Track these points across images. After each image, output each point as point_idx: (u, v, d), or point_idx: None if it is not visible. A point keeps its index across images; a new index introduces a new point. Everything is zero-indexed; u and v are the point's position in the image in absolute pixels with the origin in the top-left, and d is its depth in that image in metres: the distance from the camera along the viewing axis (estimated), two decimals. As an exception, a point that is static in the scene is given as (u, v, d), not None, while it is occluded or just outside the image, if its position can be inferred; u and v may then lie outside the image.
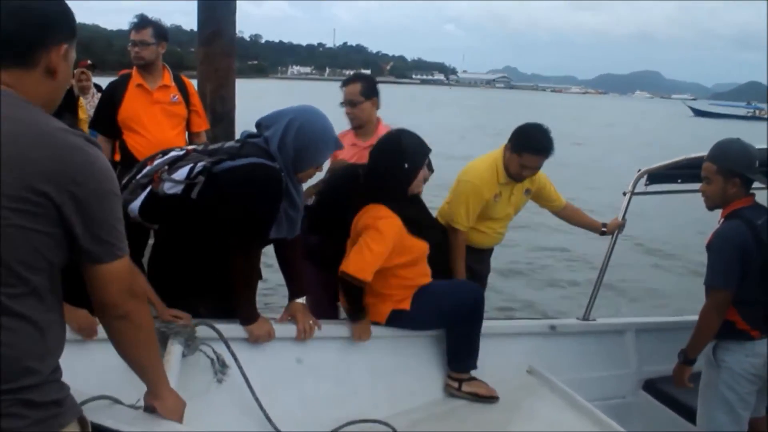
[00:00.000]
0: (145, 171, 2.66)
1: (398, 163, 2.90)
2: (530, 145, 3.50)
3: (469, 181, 3.63)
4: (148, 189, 2.60)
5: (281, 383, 2.79)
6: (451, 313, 3.09)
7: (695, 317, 3.90)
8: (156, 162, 2.68)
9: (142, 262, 2.81)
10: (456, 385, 3.15)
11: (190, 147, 2.75)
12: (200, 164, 2.57)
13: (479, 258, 3.93)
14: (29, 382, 1.35)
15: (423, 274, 3.10)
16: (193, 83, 4.67)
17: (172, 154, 2.70)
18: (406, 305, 3.03)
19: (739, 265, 2.86)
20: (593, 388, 3.61)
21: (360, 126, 3.78)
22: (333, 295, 3.31)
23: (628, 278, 8.12)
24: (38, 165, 1.30)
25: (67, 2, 1.46)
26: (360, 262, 2.85)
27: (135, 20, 4.05)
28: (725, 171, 2.94)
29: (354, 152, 3.68)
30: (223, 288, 2.69)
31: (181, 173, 2.58)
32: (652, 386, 3.93)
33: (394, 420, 2.85)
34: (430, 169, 3.17)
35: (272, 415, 2.56)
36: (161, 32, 4.08)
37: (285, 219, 2.72)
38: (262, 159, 2.57)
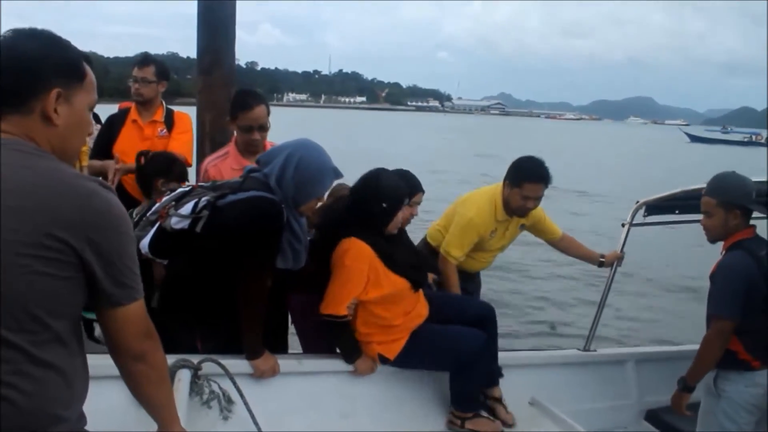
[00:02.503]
0: (154, 208, 2.73)
1: (376, 202, 2.91)
2: (529, 174, 3.54)
3: (468, 216, 3.64)
4: (157, 225, 2.66)
5: (286, 418, 2.79)
6: (445, 363, 3.06)
7: (695, 346, 3.89)
8: (164, 198, 2.74)
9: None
10: (459, 422, 3.11)
11: (194, 183, 2.80)
12: (204, 199, 2.62)
13: (469, 279, 3.99)
14: (60, 429, 1.35)
15: (409, 313, 3.04)
16: (192, 112, 4.69)
17: (179, 190, 2.76)
18: (391, 354, 3.00)
19: (744, 296, 2.88)
20: (595, 419, 3.61)
21: (259, 150, 3.42)
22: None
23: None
24: (56, 213, 1.30)
25: (64, 45, 1.44)
26: (331, 299, 2.88)
27: (139, 57, 4.15)
28: (725, 204, 2.98)
29: None
30: (230, 321, 2.69)
31: (187, 208, 2.63)
32: (653, 416, 3.93)
33: None
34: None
35: None
36: (163, 71, 4.17)
37: (289, 251, 2.74)
38: (262, 192, 2.60)
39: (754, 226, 3.06)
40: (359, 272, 2.86)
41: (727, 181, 3.03)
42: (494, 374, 3.28)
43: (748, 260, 2.91)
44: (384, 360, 3.04)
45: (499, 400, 3.26)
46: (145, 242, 2.63)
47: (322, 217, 3.24)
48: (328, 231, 3.06)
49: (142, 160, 3.42)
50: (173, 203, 2.67)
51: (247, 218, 2.55)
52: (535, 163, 3.58)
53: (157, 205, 2.72)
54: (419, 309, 3.09)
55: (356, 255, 2.87)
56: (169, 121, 4.24)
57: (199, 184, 2.80)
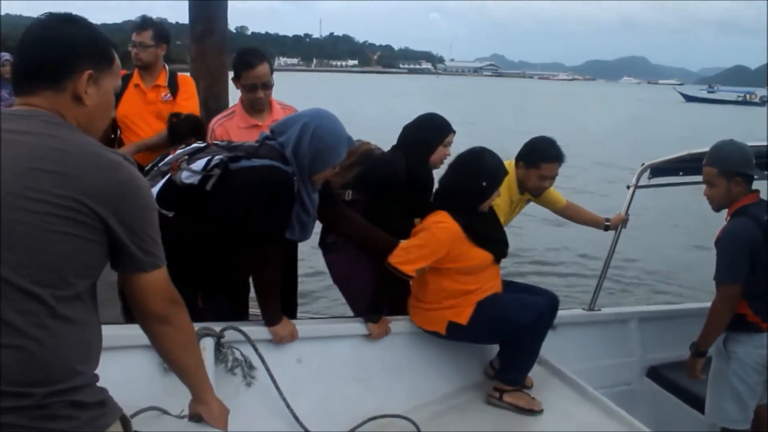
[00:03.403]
0: (166, 159, 2.71)
1: (477, 180, 2.93)
2: (546, 155, 3.55)
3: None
4: (167, 176, 2.63)
5: (304, 382, 2.82)
6: (509, 331, 3.01)
7: (697, 305, 3.93)
8: (178, 151, 2.73)
9: None
10: (497, 395, 3.08)
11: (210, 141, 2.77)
12: (217, 157, 2.59)
13: None
14: (77, 382, 1.40)
15: (485, 284, 3.03)
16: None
17: (194, 145, 2.74)
18: (463, 319, 2.99)
19: (748, 260, 2.93)
20: (599, 376, 3.67)
21: (264, 108, 3.49)
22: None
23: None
24: (84, 181, 1.36)
25: (97, 31, 1.53)
26: (404, 255, 2.91)
27: (137, 21, 4.08)
28: (726, 172, 3.01)
29: (257, 133, 3.12)
30: (232, 283, 2.69)
31: (199, 164, 2.60)
32: (655, 373, 4.01)
33: (414, 413, 2.89)
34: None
35: (298, 414, 2.60)
36: (162, 34, 4.10)
37: (297, 223, 2.74)
38: (276, 162, 2.59)
39: (757, 191, 3.09)
40: (439, 247, 2.89)
41: (726, 150, 3.05)
42: None
43: (750, 225, 2.95)
44: (453, 328, 3.00)
45: None
46: (153, 191, 2.60)
47: (362, 177, 3.22)
48: (378, 190, 3.05)
49: (174, 120, 3.71)
50: (186, 157, 2.65)
51: (258, 187, 2.55)
52: (549, 143, 3.61)
53: (170, 156, 2.70)
54: (495, 283, 3.10)
55: (444, 230, 2.90)
56: (173, 85, 4.20)
57: (214, 142, 2.76)
